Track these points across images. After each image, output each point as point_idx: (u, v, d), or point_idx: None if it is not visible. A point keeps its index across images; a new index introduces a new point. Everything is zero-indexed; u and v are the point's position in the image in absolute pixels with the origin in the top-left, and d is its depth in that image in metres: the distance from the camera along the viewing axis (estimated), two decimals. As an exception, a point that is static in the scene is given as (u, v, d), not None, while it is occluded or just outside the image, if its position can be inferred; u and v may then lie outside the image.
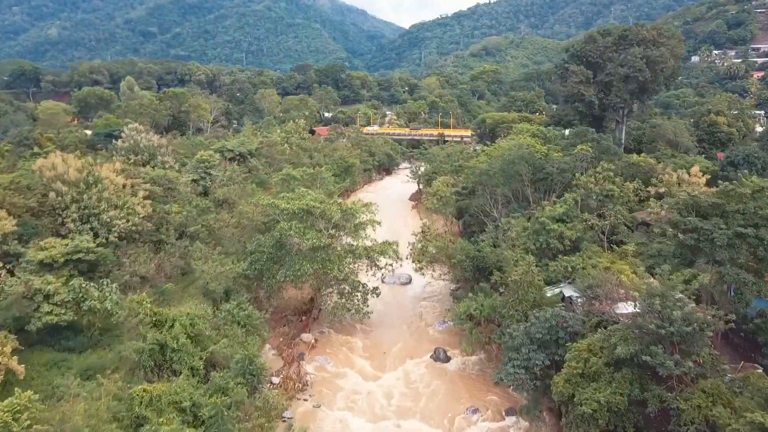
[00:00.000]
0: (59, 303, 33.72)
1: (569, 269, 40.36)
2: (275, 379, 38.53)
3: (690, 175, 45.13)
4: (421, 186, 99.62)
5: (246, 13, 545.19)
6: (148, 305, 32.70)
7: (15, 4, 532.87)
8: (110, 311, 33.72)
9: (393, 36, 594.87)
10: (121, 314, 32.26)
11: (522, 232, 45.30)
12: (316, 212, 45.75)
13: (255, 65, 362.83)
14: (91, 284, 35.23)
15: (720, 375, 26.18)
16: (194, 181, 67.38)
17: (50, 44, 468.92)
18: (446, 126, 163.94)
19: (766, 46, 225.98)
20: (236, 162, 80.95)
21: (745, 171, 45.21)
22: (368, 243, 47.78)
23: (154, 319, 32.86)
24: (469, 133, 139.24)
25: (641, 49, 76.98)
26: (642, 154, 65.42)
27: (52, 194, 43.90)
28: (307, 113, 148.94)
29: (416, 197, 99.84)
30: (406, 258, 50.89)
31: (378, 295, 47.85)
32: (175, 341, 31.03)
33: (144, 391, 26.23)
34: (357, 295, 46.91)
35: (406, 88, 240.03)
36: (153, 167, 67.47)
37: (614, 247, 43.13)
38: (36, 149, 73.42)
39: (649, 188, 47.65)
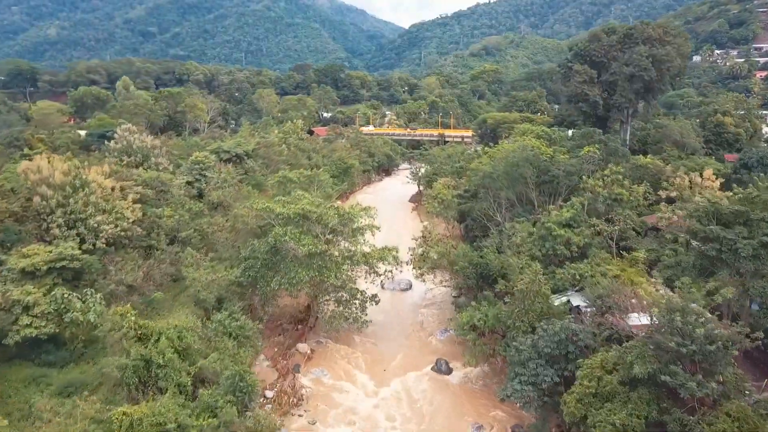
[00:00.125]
0: (39, 315, 31.91)
1: (577, 277, 38.55)
2: (269, 393, 36.71)
3: (703, 179, 43.29)
4: (421, 188, 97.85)
5: (245, 12, 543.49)
6: (132, 318, 30.81)
7: (14, 3, 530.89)
8: (94, 323, 31.93)
9: (392, 36, 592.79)
10: (104, 328, 30.33)
11: (527, 237, 43.47)
12: (313, 217, 43.82)
13: (254, 65, 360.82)
14: (74, 294, 33.41)
15: (744, 396, 24.34)
16: (189, 183, 65.53)
17: (49, 44, 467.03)
18: (446, 126, 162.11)
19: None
20: (232, 163, 79.10)
21: (761, 174, 43.36)
22: (367, 249, 45.81)
23: (138, 332, 30.95)
24: (469, 133, 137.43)
25: (647, 48, 75.31)
26: (648, 156, 63.71)
27: (36, 198, 42.05)
28: (305, 113, 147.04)
29: (416, 199, 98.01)
30: (407, 264, 49.04)
31: (377, 303, 45.98)
32: (160, 356, 29.15)
33: (124, 414, 24.34)
34: (355, 303, 45.02)
35: (406, 88, 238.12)
36: (146, 169, 65.71)
37: (623, 253, 41.31)
38: (26, 150, 71.51)
39: (660, 192, 45.77)
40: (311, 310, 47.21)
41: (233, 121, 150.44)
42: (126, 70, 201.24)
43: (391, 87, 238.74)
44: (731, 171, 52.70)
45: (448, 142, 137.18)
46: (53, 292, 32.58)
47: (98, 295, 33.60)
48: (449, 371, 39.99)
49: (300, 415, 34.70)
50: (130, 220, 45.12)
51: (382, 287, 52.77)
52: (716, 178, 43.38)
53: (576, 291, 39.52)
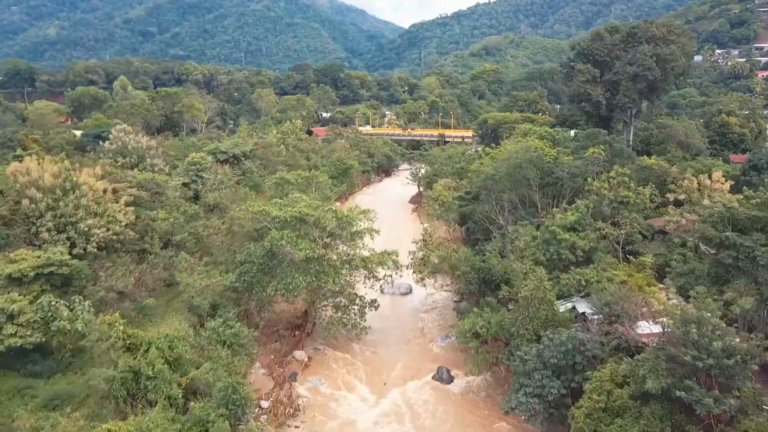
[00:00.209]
0: (25, 323, 30.71)
1: (583, 283, 37.31)
2: (264, 403, 35.47)
3: (712, 181, 42.03)
4: (421, 189, 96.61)
5: (245, 12, 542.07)
6: (121, 327, 29.55)
7: (13, 3, 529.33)
8: (82, 332, 30.70)
9: (392, 36, 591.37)
10: (91, 338, 29.08)
11: (531, 241, 42.21)
12: (310, 220, 42.55)
13: (254, 65, 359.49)
14: (62, 302, 32.19)
15: (762, 412, 23.10)
16: (185, 184, 64.35)
17: (49, 44, 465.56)
18: (446, 126, 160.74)
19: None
20: (230, 164, 77.83)
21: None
22: (366, 253, 44.51)
23: (127, 342, 29.69)
24: (470, 133, 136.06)
25: (651, 47, 73.99)
26: (653, 157, 62.47)
27: (25, 201, 40.83)
28: (304, 113, 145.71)
29: (416, 200, 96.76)
30: (407, 268, 47.77)
31: (376, 308, 44.71)
32: (150, 368, 27.89)
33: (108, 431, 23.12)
34: (354, 309, 43.81)
35: (406, 88, 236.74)
36: (141, 170, 64.49)
37: (630, 258, 40.07)
38: (19, 151, 70.23)
39: (667, 195, 44.49)
40: (309, 315, 45.97)
41: (231, 122, 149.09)
42: (124, 70, 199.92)
43: (390, 87, 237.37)
44: (740, 173, 51.44)
45: (448, 142, 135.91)
46: (39, 300, 31.39)
47: (87, 303, 32.39)
48: (451, 380, 38.73)
49: (296, 427, 33.49)
50: (123, 224, 43.91)
51: (382, 291, 51.63)
52: (725, 181, 42.16)
53: (581, 297, 38.30)
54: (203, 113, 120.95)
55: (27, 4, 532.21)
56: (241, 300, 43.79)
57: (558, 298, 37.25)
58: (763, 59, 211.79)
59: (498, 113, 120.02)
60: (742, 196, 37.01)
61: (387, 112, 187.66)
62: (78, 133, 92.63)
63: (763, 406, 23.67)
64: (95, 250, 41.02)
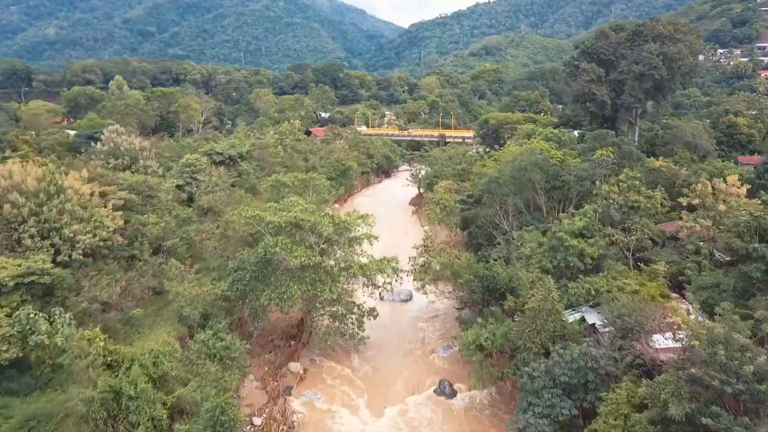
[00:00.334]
0: (1, 338, 28.80)
1: (592, 292, 35.43)
2: (257, 420, 33.60)
3: (727, 184, 40.18)
4: (421, 190, 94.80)
5: (244, 12, 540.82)
6: (101, 343, 27.64)
7: (12, 3, 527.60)
8: (61, 347, 28.78)
9: (392, 35, 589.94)
10: (68, 355, 27.18)
11: (537, 248, 40.31)
12: (306, 226, 40.66)
13: (253, 65, 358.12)
14: (41, 314, 30.27)
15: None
16: (179, 187, 62.48)
17: (48, 44, 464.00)
18: (447, 126, 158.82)
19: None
20: (225, 166, 75.92)
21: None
22: (364, 260, 42.57)
23: (108, 359, 27.75)
24: (470, 134, 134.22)
25: (657, 45, 72.13)
26: (660, 158, 60.63)
27: (6, 206, 38.80)
28: (302, 113, 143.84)
29: (417, 202, 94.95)
30: (407, 275, 45.91)
31: (375, 317, 42.78)
32: (132, 387, 26.02)
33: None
34: (351, 318, 41.90)
35: (406, 88, 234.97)
36: (134, 172, 62.64)
37: (641, 265, 38.18)
38: (8, 152, 68.36)
39: (680, 199, 42.58)
40: (305, 325, 44.10)
41: (229, 122, 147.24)
42: (122, 70, 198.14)
43: (390, 87, 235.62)
44: (755, 176, 49.54)
45: (448, 143, 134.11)
46: (16, 313, 29.46)
47: (68, 315, 30.39)
48: (453, 394, 36.86)
49: (290, 446, 31.66)
50: (111, 229, 41.95)
51: (381, 299, 49.62)
52: (741, 185, 40.36)
53: (590, 306, 36.45)
54: (200, 113, 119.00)
55: (26, 3, 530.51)
56: (233, 309, 41.92)
57: (565, 308, 35.41)
58: (766, 59, 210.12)
59: (499, 113, 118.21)
60: (759, 201, 35.20)
61: (387, 112, 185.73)
62: (72, 133, 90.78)
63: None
64: (81, 257, 39.08)
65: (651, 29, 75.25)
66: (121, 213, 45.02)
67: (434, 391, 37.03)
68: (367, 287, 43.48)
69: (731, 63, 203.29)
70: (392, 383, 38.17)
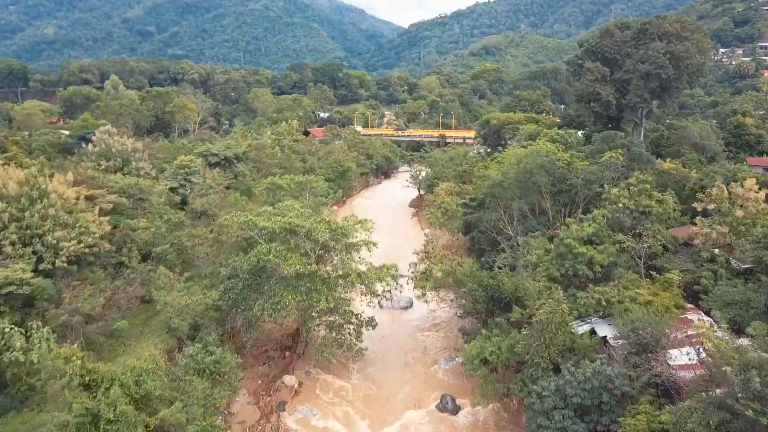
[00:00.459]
0: (-27, 355, 26.97)
1: (603, 303, 33.54)
2: (249, 439, 31.77)
3: (744, 189, 38.26)
4: (422, 192, 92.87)
5: (244, 12, 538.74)
6: (78, 361, 25.72)
7: (11, 3, 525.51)
8: (37, 365, 26.88)
9: (392, 35, 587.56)
10: (42, 376, 25.28)
11: (544, 255, 38.41)
12: (301, 232, 38.72)
13: (253, 64, 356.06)
14: (17, 329, 28.42)
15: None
16: (172, 189, 60.62)
17: (47, 43, 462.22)
18: (447, 126, 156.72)
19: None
20: (221, 167, 74.01)
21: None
22: (363, 267, 40.58)
23: (86, 379, 25.81)
24: (471, 134, 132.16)
25: (664, 44, 70.09)
26: (667, 160, 58.71)
27: (-14, 212, 37.04)
28: (301, 113, 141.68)
29: (417, 203, 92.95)
30: (407, 282, 44.00)
31: (374, 327, 40.81)
32: (111, 410, 24.07)
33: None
34: (349, 328, 39.92)
35: (405, 88, 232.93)
36: (125, 174, 60.78)
37: (653, 274, 36.24)
38: (-3, 154, 66.35)
39: (695, 204, 40.63)
40: (300, 335, 42.17)
41: (227, 122, 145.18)
42: (119, 70, 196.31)
43: (390, 86, 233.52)
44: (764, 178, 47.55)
45: (449, 143, 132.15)
46: (-10, 328, 27.62)
47: (45, 329, 28.51)
48: (456, 410, 34.98)
49: (283, 468, 29.79)
50: (97, 235, 40.12)
51: (380, 306, 47.73)
52: (759, 189, 38.42)
53: (601, 317, 34.58)
54: (196, 113, 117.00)
55: (25, 3, 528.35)
56: (225, 319, 40.00)
57: (574, 318, 33.55)
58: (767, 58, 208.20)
59: (500, 113, 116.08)
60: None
61: (386, 112, 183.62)
62: (65, 134, 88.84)
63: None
64: (65, 264, 37.29)
65: (657, 27, 73.19)
66: (109, 218, 43.23)
67: (436, 407, 35.17)
68: (366, 296, 41.52)
69: (734, 62, 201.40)
70: (392, 397, 36.33)
